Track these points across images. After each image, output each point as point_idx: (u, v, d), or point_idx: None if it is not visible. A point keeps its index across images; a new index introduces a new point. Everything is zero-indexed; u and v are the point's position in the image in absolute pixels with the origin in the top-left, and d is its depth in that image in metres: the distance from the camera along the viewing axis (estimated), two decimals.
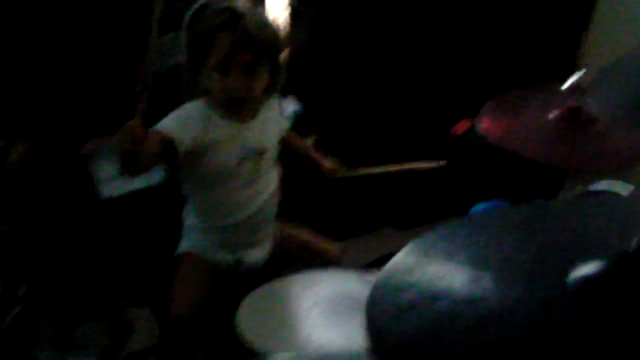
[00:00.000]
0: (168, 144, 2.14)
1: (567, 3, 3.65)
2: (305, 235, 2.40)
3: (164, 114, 2.97)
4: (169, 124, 2.16)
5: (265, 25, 2.16)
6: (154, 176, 3.01)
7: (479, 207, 2.44)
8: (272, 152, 2.32)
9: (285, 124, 2.41)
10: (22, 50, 3.05)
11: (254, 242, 2.29)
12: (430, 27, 3.43)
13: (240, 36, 2.10)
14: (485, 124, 2.23)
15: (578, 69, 3.66)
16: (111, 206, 2.97)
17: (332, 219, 3.34)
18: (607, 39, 3.67)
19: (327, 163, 2.44)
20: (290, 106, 3.18)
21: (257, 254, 2.30)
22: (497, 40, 3.56)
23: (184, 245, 2.29)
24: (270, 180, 2.30)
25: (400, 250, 1.25)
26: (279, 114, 2.38)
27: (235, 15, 2.11)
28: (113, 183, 3.01)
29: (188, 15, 2.81)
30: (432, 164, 2.30)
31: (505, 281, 1.09)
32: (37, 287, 2.97)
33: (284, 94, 3.16)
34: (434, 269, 1.14)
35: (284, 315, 2.02)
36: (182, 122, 2.16)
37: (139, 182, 3.00)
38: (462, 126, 3.05)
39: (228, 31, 2.10)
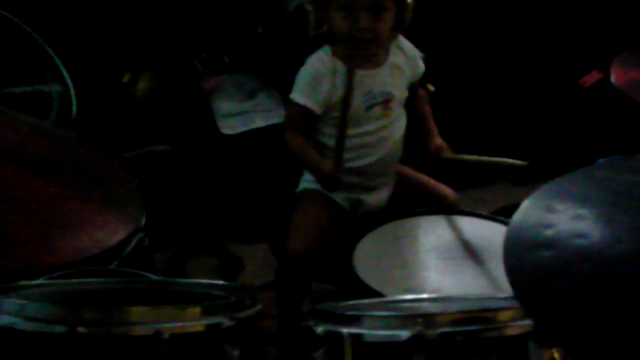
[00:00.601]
0: (308, 115, 2.17)
1: None
2: (424, 179, 2.36)
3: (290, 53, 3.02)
4: (302, 93, 2.17)
5: None
6: (275, 116, 3.03)
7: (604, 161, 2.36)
8: (400, 97, 2.27)
9: (418, 69, 2.32)
10: None
11: (377, 185, 2.27)
12: None
13: None
14: (618, 76, 2.15)
15: None
16: (232, 143, 3.00)
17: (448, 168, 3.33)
18: None
19: (438, 141, 2.33)
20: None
21: (378, 197, 2.27)
22: None
23: (306, 183, 2.29)
24: (398, 125, 2.27)
25: (533, 195, 1.21)
26: (408, 58, 2.28)
27: None
28: (233, 120, 3.04)
29: None
30: (517, 162, 2.20)
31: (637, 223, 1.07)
32: (156, 218, 3.05)
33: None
34: (569, 210, 1.11)
35: (400, 258, 2.01)
36: (313, 88, 2.16)
37: (259, 121, 3.03)
38: (592, 77, 2.94)
39: None
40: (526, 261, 0.97)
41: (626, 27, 3.32)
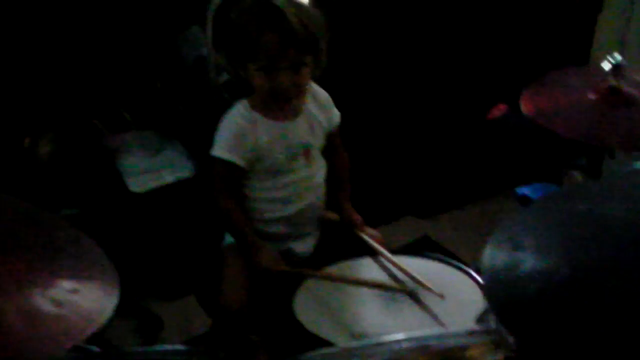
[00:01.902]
0: (235, 170, 2.15)
1: None
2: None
3: (192, 106, 3.00)
4: (226, 149, 2.14)
5: (309, 16, 2.05)
6: (184, 170, 3.01)
7: (524, 189, 2.45)
8: (319, 146, 2.28)
9: (333, 118, 2.31)
10: (45, 46, 3.03)
11: (304, 232, 2.29)
12: (452, 15, 3.42)
13: (286, 36, 2.00)
14: (527, 106, 2.24)
15: (594, 50, 3.73)
16: (140, 201, 2.96)
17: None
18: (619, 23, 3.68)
19: (353, 216, 2.36)
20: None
21: (306, 244, 2.29)
22: (516, 27, 3.56)
23: (230, 239, 2.27)
24: (320, 173, 2.29)
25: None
26: (322, 106, 2.28)
27: (277, 12, 2.01)
28: (141, 177, 3.00)
29: (212, 9, 2.82)
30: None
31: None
32: None
33: None
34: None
35: (340, 302, 2.01)
36: (236, 143, 2.13)
37: (168, 177, 3.00)
38: (498, 110, 3.06)
39: (272, 31, 2.01)
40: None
41: (530, 61, 3.45)
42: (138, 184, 2.95)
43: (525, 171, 3.27)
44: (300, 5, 2.07)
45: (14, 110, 2.98)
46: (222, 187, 2.17)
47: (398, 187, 3.59)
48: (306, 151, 2.20)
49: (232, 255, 2.21)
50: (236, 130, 2.14)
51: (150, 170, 3.00)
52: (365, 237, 2.27)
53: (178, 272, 2.90)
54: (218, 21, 2.12)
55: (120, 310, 2.96)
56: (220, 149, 2.13)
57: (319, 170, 2.26)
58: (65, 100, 3.09)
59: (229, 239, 2.27)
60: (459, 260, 3.21)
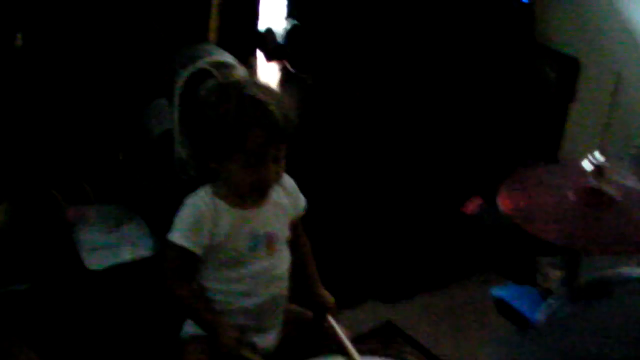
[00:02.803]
0: (189, 257, 2.05)
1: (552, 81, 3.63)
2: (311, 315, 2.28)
3: (156, 181, 2.89)
4: (182, 235, 2.03)
5: (290, 111, 2.00)
6: (144, 248, 2.89)
7: (500, 291, 2.35)
8: (283, 236, 2.19)
9: (299, 206, 2.24)
10: (5, 109, 2.92)
11: (267, 325, 2.17)
12: (427, 106, 3.37)
13: (273, 131, 1.94)
14: (505, 204, 2.16)
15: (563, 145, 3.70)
16: (96, 278, 2.83)
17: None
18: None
19: (322, 292, 2.29)
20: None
21: (269, 338, 2.17)
22: (490, 117, 3.52)
23: (189, 328, 2.16)
24: (283, 263, 2.19)
25: None
26: (289, 194, 2.20)
27: (262, 108, 1.94)
28: (99, 254, 2.87)
29: (178, 89, 2.74)
30: None
31: None
32: None
33: None
34: None
35: None
36: (194, 229, 2.03)
37: (126, 254, 2.88)
38: (473, 203, 2.97)
39: (260, 128, 1.93)
40: None
41: (505, 151, 3.40)
42: (95, 260, 2.83)
43: (497, 263, 3.20)
44: (279, 98, 2.01)
45: None
46: (175, 274, 2.08)
47: (362, 270, 3.50)
48: (270, 241, 2.12)
49: (190, 349, 2.09)
50: (195, 217, 2.04)
51: (109, 246, 2.87)
52: (335, 326, 2.19)
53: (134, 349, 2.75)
54: (185, 104, 2.04)
55: None
56: (176, 235, 2.04)
57: (282, 260, 2.17)
58: (23, 168, 2.97)
59: (187, 328, 2.16)
60: (423, 349, 3.16)
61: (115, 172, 3.08)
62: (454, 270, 3.60)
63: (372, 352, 3.12)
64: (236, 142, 1.94)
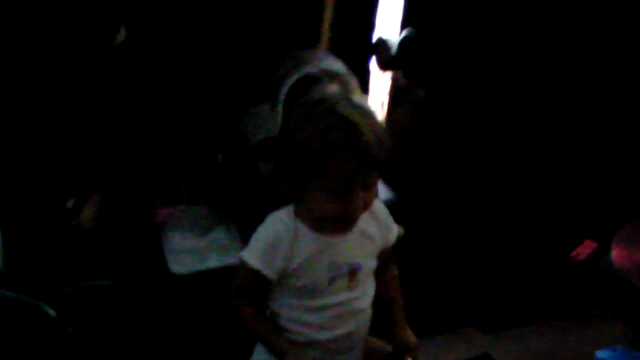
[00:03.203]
0: (261, 280, 1.89)
1: None
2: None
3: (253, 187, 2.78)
4: (257, 257, 1.88)
5: (384, 134, 1.80)
6: (231, 255, 2.78)
7: (605, 354, 2.11)
8: (369, 268, 2.00)
9: (390, 237, 2.05)
10: (109, 101, 2.87)
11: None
12: (552, 132, 3.12)
13: (364, 156, 1.73)
14: (621, 258, 1.92)
15: None
16: (179, 283, 2.74)
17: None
18: None
19: (406, 334, 2.04)
20: (381, 193, 2.93)
21: None
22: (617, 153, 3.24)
23: (261, 355, 2.02)
24: (366, 297, 2.01)
25: None
26: (380, 223, 2.00)
27: (355, 131, 1.73)
28: (184, 257, 2.78)
29: (282, 96, 2.61)
30: None
31: None
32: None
33: None
34: None
35: None
36: (270, 252, 1.87)
37: (213, 261, 2.78)
38: (586, 248, 2.69)
39: (349, 151, 1.72)
40: None
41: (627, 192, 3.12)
42: (180, 263, 2.73)
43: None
44: (373, 118, 1.82)
45: (61, 166, 2.80)
46: (243, 294, 1.94)
47: (462, 294, 3.30)
48: (352, 273, 1.93)
49: None
50: (273, 238, 1.87)
51: (196, 250, 2.77)
52: None
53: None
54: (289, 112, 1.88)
55: None
56: (251, 255, 1.89)
57: (364, 293, 1.99)
58: (120, 163, 2.90)
59: (256, 357, 2.03)
60: None
61: (212, 175, 2.97)
62: (561, 305, 3.35)
63: None
64: (321, 166, 1.74)
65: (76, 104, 2.80)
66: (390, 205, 2.88)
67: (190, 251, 2.78)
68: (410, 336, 2.02)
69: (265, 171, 2.30)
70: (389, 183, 2.94)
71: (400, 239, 2.89)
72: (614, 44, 3.05)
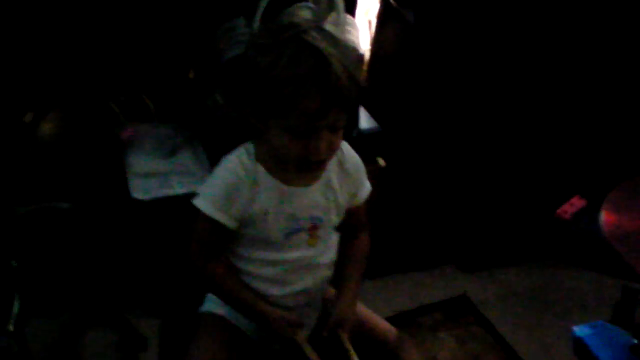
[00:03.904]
0: (221, 230, 1.71)
1: None
2: (362, 312, 1.92)
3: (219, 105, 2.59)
4: (215, 204, 1.69)
5: (357, 70, 1.60)
6: (195, 181, 2.62)
7: (582, 331, 1.97)
8: (332, 223, 1.83)
9: (360, 193, 1.85)
10: (70, 9, 2.66)
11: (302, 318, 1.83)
12: (542, 78, 2.91)
13: (331, 93, 1.53)
14: (607, 216, 1.75)
15: None
16: (141, 208, 2.58)
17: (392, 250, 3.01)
18: None
19: (345, 310, 1.81)
20: (364, 122, 2.76)
21: (303, 331, 1.84)
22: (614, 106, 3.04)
23: (212, 305, 1.86)
24: (328, 253, 1.85)
25: None
26: (349, 176, 1.81)
27: (323, 63, 1.52)
28: (148, 181, 2.61)
29: (260, 10, 2.40)
30: None
31: None
32: (46, 280, 2.65)
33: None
34: None
35: None
36: (228, 197, 1.69)
37: (177, 187, 2.61)
38: (573, 205, 2.50)
39: (315, 87, 1.52)
40: None
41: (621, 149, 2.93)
42: (142, 189, 2.57)
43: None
44: (346, 51, 1.60)
45: (19, 79, 2.61)
46: (207, 250, 1.76)
47: (443, 234, 3.18)
48: (313, 228, 1.76)
49: (204, 330, 1.82)
50: (232, 182, 1.69)
51: (160, 174, 2.60)
52: (347, 344, 1.78)
53: (170, 290, 2.51)
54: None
55: (102, 320, 2.69)
56: (207, 202, 1.69)
57: (326, 250, 1.83)
58: (81, 75, 2.71)
59: (207, 307, 1.87)
60: (496, 334, 2.83)
61: (182, 92, 2.78)
62: (542, 248, 3.22)
63: (433, 328, 2.88)
64: (283, 101, 1.55)
65: (37, 10, 2.59)
66: (373, 135, 2.75)
67: (153, 175, 2.62)
68: (350, 313, 1.82)
69: (222, 103, 2.10)
70: (372, 112, 2.75)
71: (381, 171, 2.76)
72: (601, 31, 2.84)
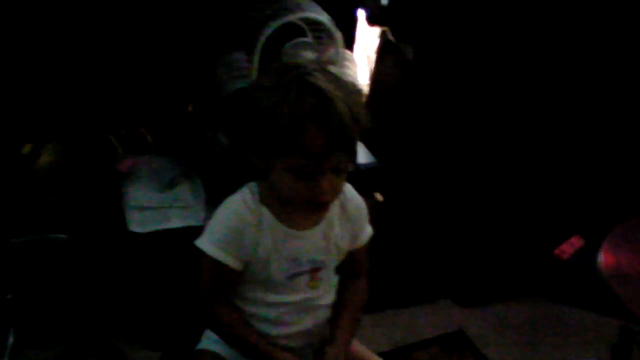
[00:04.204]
0: (228, 272, 1.70)
1: None
2: (358, 349, 1.91)
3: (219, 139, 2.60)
4: (218, 244, 1.68)
5: (362, 110, 1.59)
6: (195, 215, 2.62)
7: None
8: (333, 266, 1.83)
9: (361, 235, 1.84)
10: (69, 41, 2.68)
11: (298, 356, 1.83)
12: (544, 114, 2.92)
13: (334, 133, 1.53)
14: (606, 257, 1.75)
15: None
16: (138, 241, 2.57)
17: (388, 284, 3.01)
18: None
19: (332, 352, 1.77)
20: (362, 157, 2.76)
21: None
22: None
23: (209, 343, 1.84)
24: (327, 295, 1.84)
25: None
26: (350, 219, 1.79)
27: (327, 104, 1.53)
28: (145, 215, 2.61)
29: (260, 45, 2.42)
30: None
31: None
32: (41, 313, 2.64)
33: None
34: None
35: None
36: (234, 239, 1.68)
37: (175, 220, 2.61)
38: (571, 245, 2.48)
39: (317, 126, 1.53)
40: None
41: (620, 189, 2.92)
42: (139, 221, 2.56)
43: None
44: (350, 93, 1.61)
45: (17, 110, 2.61)
46: (214, 293, 1.74)
47: (440, 265, 3.17)
48: (314, 270, 1.76)
49: None
50: (237, 223, 1.68)
51: (157, 207, 2.60)
52: None
53: (166, 324, 2.50)
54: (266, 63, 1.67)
55: (96, 354, 2.68)
56: (212, 244, 1.68)
57: (326, 292, 1.82)
58: (80, 108, 2.71)
59: (204, 344, 1.86)
60: None
61: (180, 125, 2.78)
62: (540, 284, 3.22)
63: None
64: (286, 141, 1.55)
65: (35, 43, 2.60)
66: (371, 170, 2.75)
67: (151, 208, 2.61)
68: (338, 357, 1.78)
69: (226, 143, 2.11)
70: (370, 146, 2.76)
71: (379, 205, 2.77)
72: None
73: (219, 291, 1.74)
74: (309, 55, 2.15)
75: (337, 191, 1.65)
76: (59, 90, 2.68)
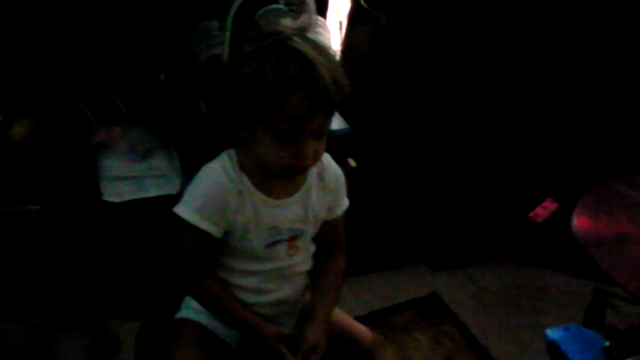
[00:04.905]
0: (209, 240, 1.70)
1: None
2: (337, 315, 1.92)
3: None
4: (199, 212, 1.67)
5: (343, 75, 1.60)
6: (170, 184, 2.61)
7: (555, 333, 1.99)
8: (311, 233, 1.84)
9: (338, 206, 1.86)
10: (40, 15, 2.64)
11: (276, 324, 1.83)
12: (517, 76, 2.93)
13: (318, 98, 1.54)
14: (580, 222, 1.76)
15: None
16: (113, 211, 2.56)
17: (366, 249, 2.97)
18: None
19: (316, 334, 1.76)
20: (336, 124, 2.76)
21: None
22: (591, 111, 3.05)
23: (189, 311, 1.85)
24: (305, 263, 1.86)
25: None
26: (328, 189, 1.81)
27: (310, 68, 1.54)
28: (120, 185, 2.60)
29: (232, 12, 2.40)
30: None
31: None
32: (16, 285, 2.62)
33: None
34: None
35: None
36: (213, 206, 1.67)
37: (151, 189, 2.60)
38: (546, 209, 2.50)
39: (303, 91, 1.53)
40: None
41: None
42: (114, 191, 2.55)
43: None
44: (330, 57, 1.62)
45: None
46: (196, 261, 1.73)
47: (413, 231, 3.17)
48: (293, 238, 1.77)
49: (180, 337, 1.81)
50: (216, 192, 1.68)
51: (132, 177, 2.59)
52: None
53: (144, 294, 2.50)
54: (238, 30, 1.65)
55: (73, 324, 2.67)
56: (194, 212, 1.67)
57: (304, 259, 1.84)
58: (53, 78, 2.68)
59: (184, 313, 1.86)
60: (467, 333, 2.85)
61: (154, 95, 2.76)
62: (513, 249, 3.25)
63: (407, 327, 2.89)
64: (270, 105, 1.55)
65: (6, 13, 2.56)
66: (344, 136, 2.75)
67: (127, 178, 2.61)
68: (323, 339, 1.78)
69: (207, 112, 2.09)
70: (343, 113, 2.76)
71: (352, 171, 2.77)
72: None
73: (200, 259, 1.73)
74: (286, 22, 2.14)
75: (318, 157, 1.67)
76: (31, 60, 2.64)
